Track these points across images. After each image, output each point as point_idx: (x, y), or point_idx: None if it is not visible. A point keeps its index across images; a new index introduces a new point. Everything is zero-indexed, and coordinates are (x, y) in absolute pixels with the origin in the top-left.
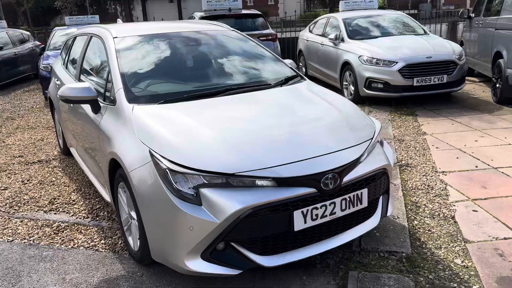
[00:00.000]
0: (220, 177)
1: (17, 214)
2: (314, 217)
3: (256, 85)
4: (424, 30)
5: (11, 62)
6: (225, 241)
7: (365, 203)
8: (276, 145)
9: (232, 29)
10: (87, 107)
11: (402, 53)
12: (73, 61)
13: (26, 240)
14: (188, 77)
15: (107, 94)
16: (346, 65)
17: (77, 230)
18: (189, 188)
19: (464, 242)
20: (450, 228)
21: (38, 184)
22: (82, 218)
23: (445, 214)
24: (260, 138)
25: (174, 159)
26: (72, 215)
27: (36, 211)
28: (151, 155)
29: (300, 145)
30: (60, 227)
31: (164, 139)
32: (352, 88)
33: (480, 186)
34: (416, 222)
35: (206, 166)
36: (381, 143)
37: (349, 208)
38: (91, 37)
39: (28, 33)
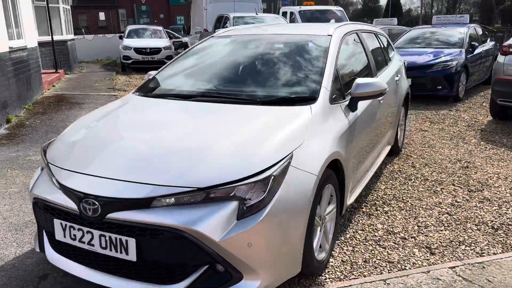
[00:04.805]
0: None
1: None
2: (72, 236)
3: (238, 98)
4: None
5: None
6: None
7: (132, 256)
8: (103, 154)
9: (333, 36)
10: None
11: None
12: None
13: None
14: (206, 79)
15: None
16: None
17: None
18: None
19: None
20: None
21: None
22: None
23: None
24: (109, 145)
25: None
26: None
27: None
28: None
29: (122, 163)
30: None
31: (78, 121)
32: None
33: None
34: None
35: (48, 153)
36: (253, 205)
37: (111, 250)
38: None
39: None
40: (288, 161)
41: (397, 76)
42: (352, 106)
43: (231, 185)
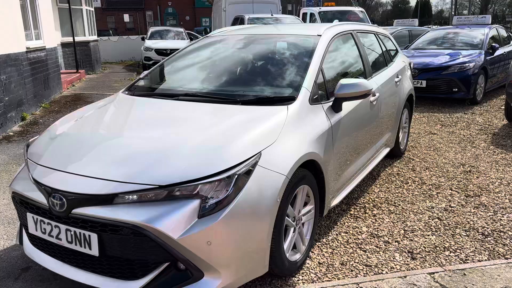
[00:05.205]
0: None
1: None
2: (42, 230)
3: (219, 97)
4: None
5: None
6: None
7: (95, 251)
8: (73, 151)
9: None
10: None
11: None
12: None
13: None
14: (192, 78)
15: None
16: None
17: None
18: None
19: None
20: None
21: None
22: None
23: None
24: (81, 142)
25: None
26: None
27: None
28: None
29: (90, 160)
30: None
31: (62, 119)
32: None
33: None
34: None
35: (30, 149)
36: (217, 203)
37: (76, 244)
38: None
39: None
40: (256, 160)
41: (398, 77)
42: (335, 107)
43: (193, 183)
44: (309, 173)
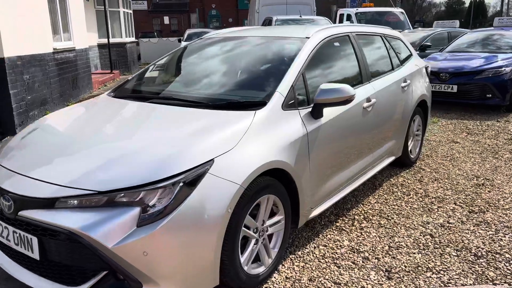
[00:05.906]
0: None
1: None
2: None
3: (189, 101)
4: None
5: None
6: None
7: (36, 255)
8: (29, 153)
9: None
10: None
11: None
12: None
13: None
14: (171, 81)
15: None
16: None
17: None
18: None
19: None
20: None
21: None
22: None
23: None
24: (39, 144)
25: None
26: None
27: None
28: None
29: (40, 162)
30: None
31: (38, 120)
32: None
33: None
34: None
35: (2, 150)
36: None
37: (21, 246)
38: None
39: None
40: (206, 168)
41: (405, 82)
42: (315, 113)
43: (134, 190)
44: (276, 182)
